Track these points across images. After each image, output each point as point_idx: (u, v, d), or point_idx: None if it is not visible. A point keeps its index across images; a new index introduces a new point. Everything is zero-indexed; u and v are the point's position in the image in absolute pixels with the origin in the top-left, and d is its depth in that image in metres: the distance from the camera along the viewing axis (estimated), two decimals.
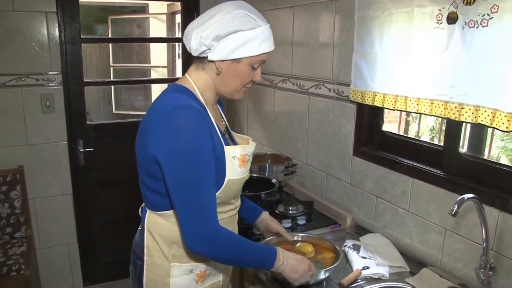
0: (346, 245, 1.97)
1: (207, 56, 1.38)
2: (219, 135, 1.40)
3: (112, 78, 5.71)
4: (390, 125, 3.07)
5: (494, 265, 1.60)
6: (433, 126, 5.35)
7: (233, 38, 1.34)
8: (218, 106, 1.63)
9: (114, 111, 5.68)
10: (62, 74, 3.03)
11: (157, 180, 1.37)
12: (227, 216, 1.51)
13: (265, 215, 1.83)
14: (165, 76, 5.49)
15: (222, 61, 1.38)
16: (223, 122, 1.59)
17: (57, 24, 2.95)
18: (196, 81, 1.45)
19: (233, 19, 1.34)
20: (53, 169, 3.15)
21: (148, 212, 1.48)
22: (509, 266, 1.57)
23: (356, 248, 1.94)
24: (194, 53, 1.40)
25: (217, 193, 1.39)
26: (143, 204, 1.54)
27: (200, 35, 1.35)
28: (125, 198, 3.31)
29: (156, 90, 5.62)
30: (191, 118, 1.28)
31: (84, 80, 3.13)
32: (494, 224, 1.60)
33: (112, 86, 5.65)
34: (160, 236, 1.45)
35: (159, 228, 1.45)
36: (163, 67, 5.61)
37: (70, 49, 3.01)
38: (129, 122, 3.62)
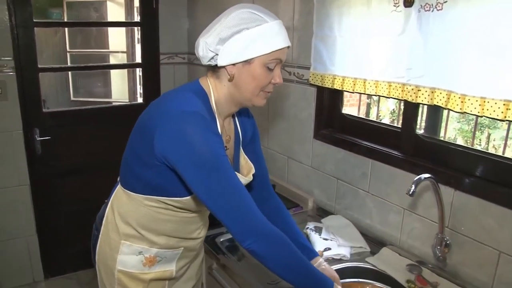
0: (308, 227, 1.99)
1: (217, 64, 1.32)
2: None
3: (69, 64, 5.56)
4: (352, 108, 3.11)
5: (450, 242, 1.66)
6: (394, 109, 5.44)
7: (239, 38, 1.27)
8: (237, 119, 1.57)
9: (72, 98, 5.54)
10: (15, 60, 2.90)
11: (144, 167, 1.34)
12: (176, 216, 1.47)
13: (321, 260, 1.60)
14: (125, 61, 5.38)
15: (233, 65, 1.31)
16: (227, 138, 1.51)
17: (6, 7, 2.81)
18: (214, 88, 1.39)
19: (237, 19, 1.28)
20: (8, 159, 3.03)
21: (119, 187, 1.48)
22: (463, 242, 1.63)
23: (318, 230, 1.97)
24: (203, 61, 1.35)
25: (184, 197, 1.38)
26: (119, 178, 1.53)
27: (205, 42, 1.31)
28: (87, 187, 3.24)
29: (116, 76, 5.51)
30: (201, 125, 1.23)
31: (39, 66, 3.02)
32: (450, 203, 1.65)
33: (70, 72, 5.49)
34: (119, 213, 1.46)
35: (121, 205, 1.45)
36: (122, 52, 5.48)
37: (22, 34, 2.89)
38: (89, 109, 3.53)
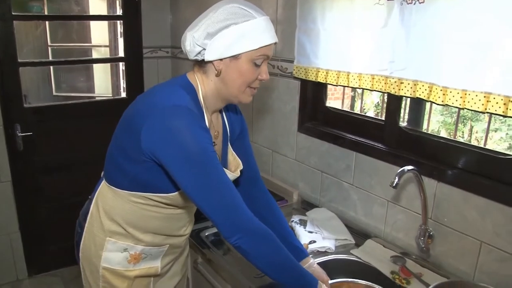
0: (293, 221, 2.00)
1: (204, 58, 1.31)
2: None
3: (50, 59, 5.49)
4: (337, 101, 3.12)
5: (433, 233, 1.68)
6: (378, 102, 5.48)
7: (227, 33, 1.26)
8: (224, 115, 1.56)
9: (54, 93, 5.47)
10: None
11: (130, 162, 1.32)
12: (162, 212, 1.46)
13: (311, 261, 1.60)
14: (107, 55, 5.32)
15: (220, 60, 1.30)
16: (216, 133, 1.51)
17: None
18: (201, 83, 1.38)
19: (225, 13, 1.27)
20: None
21: (103, 183, 1.46)
22: (446, 233, 1.64)
23: (303, 223, 1.98)
24: (190, 56, 1.34)
25: (171, 193, 1.38)
26: (102, 173, 1.51)
27: (192, 36, 1.29)
28: (71, 183, 3.21)
29: (98, 71, 5.46)
30: (189, 120, 1.23)
31: (19, 60, 2.97)
32: (433, 194, 1.67)
33: (51, 67, 5.42)
34: (104, 209, 1.44)
35: (106, 201, 1.44)
36: (105, 46, 5.43)
37: (0, 27, 2.84)
38: (71, 104, 3.49)
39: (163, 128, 1.22)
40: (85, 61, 5.04)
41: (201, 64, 1.36)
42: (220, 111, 1.54)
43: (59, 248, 3.34)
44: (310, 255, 1.63)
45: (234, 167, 1.56)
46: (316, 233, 1.89)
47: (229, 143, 1.58)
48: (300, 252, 1.60)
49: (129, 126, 1.32)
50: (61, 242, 3.24)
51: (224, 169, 1.38)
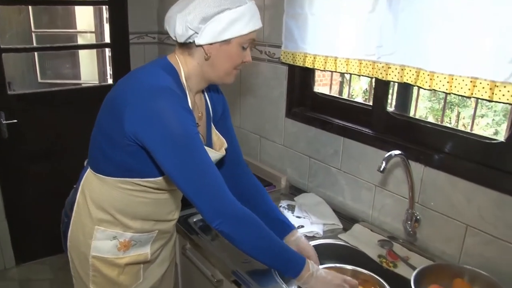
0: (281, 206, 2.00)
1: (194, 41, 1.30)
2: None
3: (34, 45, 5.40)
4: (325, 88, 3.11)
5: (420, 217, 1.69)
6: (366, 88, 5.48)
7: (221, 18, 1.27)
8: (207, 95, 1.56)
9: (40, 80, 5.40)
10: None
11: (115, 148, 1.31)
12: (151, 198, 1.45)
13: (298, 235, 1.63)
14: (93, 41, 5.26)
15: (211, 44, 1.30)
16: (200, 114, 1.51)
17: None
18: (183, 64, 1.37)
19: None
20: None
21: (89, 171, 1.44)
22: (432, 217, 1.66)
23: (291, 208, 1.98)
24: (180, 39, 1.32)
25: (157, 178, 1.37)
26: (86, 161, 1.50)
27: (185, 19, 1.27)
28: (57, 171, 3.18)
29: (84, 57, 5.39)
30: (172, 101, 1.22)
31: (1, 46, 2.92)
32: (419, 179, 1.68)
33: (36, 54, 5.34)
34: (91, 198, 1.43)
35: (93, 189, 1.42)
36: (91, 32, 5.36)
37: None
38: (57, 91, 3.45)
39: (146, 110, 1.21)
40: (70, 47, 4.95)
41: (187, 46, 1.35)
42: (202, 92, 1.54)
43: (46, 236, 3.31)
44: (299, 233, 1.66)
45: (218, 147, 1.56)
46: (304, 218, 1.90)
47: (212, 124, 1.57)
48: (286, 226, 1.64)
49: (111, 110, 1.31)
50: (49, 230, 3.19)
51: (209, 148, 1.40)
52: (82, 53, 5.39)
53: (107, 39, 3.45)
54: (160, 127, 1.21)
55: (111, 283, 1.48)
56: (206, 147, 1.35)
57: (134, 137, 1.24)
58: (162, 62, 1.37)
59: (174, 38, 1.34)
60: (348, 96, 2.67)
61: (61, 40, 5.38)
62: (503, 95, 1.30)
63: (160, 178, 1.37)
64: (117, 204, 1.41)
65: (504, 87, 1.29)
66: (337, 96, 2.31)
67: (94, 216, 1.43)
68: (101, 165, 1.39)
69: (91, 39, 5.32)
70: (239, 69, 1.42)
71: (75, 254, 1.50)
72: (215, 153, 1.46)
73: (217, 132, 1.59)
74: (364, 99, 5.34)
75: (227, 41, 1.31)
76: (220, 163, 1.59)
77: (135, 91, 1.24)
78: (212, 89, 1.59)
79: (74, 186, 1.52)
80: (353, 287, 1.42)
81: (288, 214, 1.93)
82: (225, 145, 1.57)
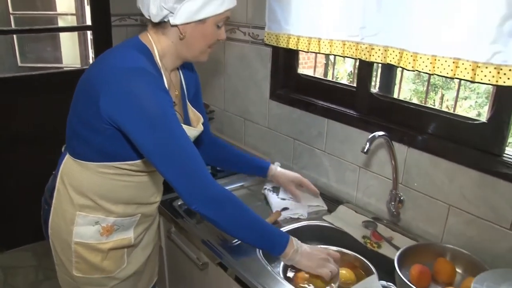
0: (265, 188, 2.00)
1: (168, 21, 1.28)
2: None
3: (13, 27, 5.29)
4: (310, 70, 3.10)
5: (403, 198, 1.70)
6: (351, 71, 5.49)
7: None
8: (181, 73, 1.55)
9: (20, 64, 5.30)
10: None
11: (93, 132, 1.29)
12: (133, 181, 1.44)
13: (274, 167, 1.82)
14: (74, 24, 5.17)
15: (187, 23, 1.29)
16: (176, 93, 1.49)
17: None
18: (156, 44, 1.35)
19: None
20: None
21: (67, 157, 1.42)
22: (416, 198, 1.67)
23: (276, 190, 1.98)
24: (155, 19, 1.29)
25: (137, 161, 1.36)
26: (63, 147, 1.48)
27: None
28: (39, 157, 3.13)
29: (66, 40, 5.30)
30: (148, 82, 1.21)
31: None
32: (403, 160, 1.69)
33: (15, 36, 5.23)
34: (71, 184, 1.40)
35: (73, 176, 1.40)
36: (71, 14, 5.28)
37: None
38: (37, 75, 3.38)
39: (121, 91, 1.19)
40: (51, 30, 4.88)
41: (161, 26, 1.33)
42: (177, 69, 1.53)
43: (28, 222, 3.27)
44: (276, 165, 1.86)
45: (196, 123, 1.56)
46: (288, 200, 1.90)
47: (187, 100, 1.57)
48: (263, 167, 1.82)
49: (86, 94, 1.29)
50: (31, 216, 3.17)
51: (188, 126, 1.40)
52: (63, 36, 5.30)
53: (88, 22, 3.40)
54: (136, 108, 1.19)
55: (95, 268, 1.47)
56: (184, 125, 1.35)
57: (110, 120, 1.23)
58: (134, 42, 1.35)
59: (148, 18, 1.32)
60: (333, 79, 2.67)
61: (40, 22, 5.28)
62: (485, 75, 1.30)
63: (139, 160, 1.36)
64: (98, 189, 1.40)
65: (486, 67, 1.29)
66: (321, 77, 2.30)
67: (75, 202, 1.41)
68: (79, 150, 1.37)
69: (72, 21, 5.23)
70: (213, 47, 1.41)
71: (57, 241, 1.49)
72: (193, 130, 1.46)
73: (193, 108, 1.59)
74: (349, 81, 5.35)
75: (202, 21, 1.29)
76: (197, 141, 1.59)
77: (109, 74, 1.22)
78: (186, 67, 1.58)
79: (53, 172, 1.50)
80: (336, 260, 1.44)
81: (273, 196, 1.93)
82: (202, 120, 1.57)
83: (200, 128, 1.52)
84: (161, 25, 1.33)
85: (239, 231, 1.35)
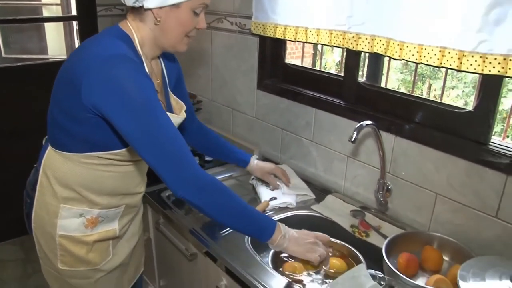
0: (253, 178, 2.00)
1: (143, 5, 1.26)
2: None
3: None
4: (298, 60, 3.10)
5: (391, 187, 1.71)
6: (339, 61, 5.48)
7: None
8: (162, 62, 1.53)
9: (4, 55, 5.22)
10: None
11: (76, 123, 1.27)
12: (118, 171, 1.43)
13: (254, 159, 1.89)
14: (59, 14, 5.10)
15: (160, 8, 1.27)
16: (158, 81, 1.48)
17: None
18: (136, 31, 1.33)
19: None
20: None
21: (49, 149, 1.40)
22: (403, 186, 1.68)
23: (263, 180, 1.98)
24: (128, 2, 1.27)
25: (122, 149, 1.35)
26: (44, 139, 1.46)
27: None
28: (24, 149, 3.09)
29: (51, 31, 5.23)
30: (131, 69, 1.19)
31: None
32: (391, 149, 1.69)
33: None
34: (54, 176, 1.39)
35: (56, 168, 1.38)
36: (56, 4, 5.20)
37: None
38: (22, 66, 3.34)
39: (104, 79, 1.17)
40: (35, 20, 4.80)
41: (137, 11, 1.32)
42: (159, 58, 1.52)
43: (15, 216, 3.24)
44: (254, 158, 1.91)
45: (179, 110, 1.55)
46: (276, 189, 1.90)
47: (169, 89, 1.56)
48: (244, 160, 1.88)
49: (67, 84, 1.27)
50: (17, 210, 3.15)
51: (171, 114, 1.39)
52: (48, 26, 5.23)
53: (74, 12, 3.35)
54: (119, 95, 1.17)
55: (80, 261, 1.46)
56: (167, 113, 1.34)
57: (93, 108, 1.21)
58: (114, 30, 1.33)
59: (122, 2, 1.30)
60: (321, 69, 2.67)
61: (24, 12, 5.20)
62: (471, 64, 1.31)
63: (124, 149, 1.35)
64: (82, 181, 1.38)
65: (472, 56, 1.30)
66: (309, 67, 2.29)
67: (59, 194, 1.39)
68: (62, 141, 1.35)
69: (57, 11, 5.16)
70: (193, 36, 1.39)
71: (40, 235, 1.47)
72: (177, 117, 1.45)
73: (175, 97, 1.58)
74: (337, 71, 5.35)
75: (176, 5, 1.27)
76: (181, 127, 1.58)
77: (90, 62, 1.20)
78: (167, 57, 1.57)
79: (35, 165, 1.48)
80: (325, 243, 1.44)
81: (261, 187, 1.93)
82: (184, 107, 1.56)
83: (183, 115, 1.51)
84: (137, 10, 1.31)
85: (226, 217, 1.34)
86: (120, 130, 1.22)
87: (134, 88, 1.18)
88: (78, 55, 1.28)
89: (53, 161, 1.39)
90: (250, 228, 1.38)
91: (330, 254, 1.50)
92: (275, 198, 1.84)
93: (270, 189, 1.90)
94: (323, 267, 1.44)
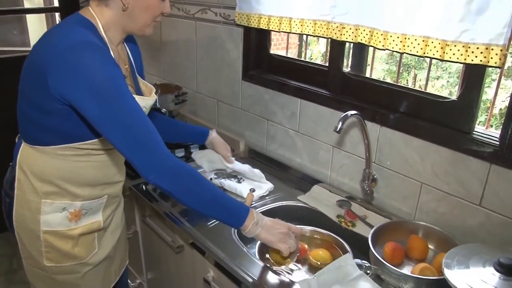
0: (211, 178, 1.97)
1: None
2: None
3: None
4: (283, 52, 3.10)
5: (376, 177, 1.72)
6: (325, 52, 5.48)
7: None
8: (127, 46, 1.52)
9: None
10: None
11: (47, 115, 1.26)
12: (95, 160, 1.42)
13: (214, 134, 1.92)
14: (41, 5, 5.03)
15: None
16: (126, 66, 1.47)
17: None
18: (100, 17, 1.31)
19: None
20: None
21: (23, 145, 1.38)
22: (389, 176, 1.69)
23: (223, 176, 1.96)
24: None
25: (96, 139, 1.34)
26: (17, 137, 1.44)
27: None
28: (3, 143, 3.05)
29: (33, 23, 5.16)
30: (96, 55, 1.18)
31: None
32: (376, 139, 1.70)
33: None
34: (32, 172, 1.37)
35: (33, 163, 1.36)
36: None
37: None
38: (3, 58, 3.29)
39: (69, 67, 1.16)
40: (16, 12, 4.72)
41: None
42: (123, 43, 1.51)
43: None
44: (213, 131, 1.94)
45: (148, 93, 1.54)
46: (245, 180, 1.92)
47: (136, 73, 1.55)
48: (203, 132, 1.91)
49: (33, 76, 1.25)
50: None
51: (142, 96, 1.40)
52: (30, 18, 5.15)
53: (56, 3, 3.30)
54: (85, 81, 1.16)
55: (66, 256, 1.45)
56: (138, 96, 1.34)
57: (62, 98, 1.20)
58: (76, 18, 1.32)
59: None
60: (306, 59, 2.66)
61: (4, 3, 5.11)
62: (453, 54, 1.31)
63: (97, 139, 1.34)
64: (60, 173, 1.37)
65: (455, 46, 1.30)
66: (293, 57, 2.29)
67: (39, 190, 1.38)
68: (35, 135, 1.33)
69: (38, 3, 5.08)
70: (158, 21, 1.39)
71: (23, 233, 1.45)
72: (147, 99, 1.44)
73: (143, 80, 1.57)
74: (323, 62, 5.35)
75: None
76: None
77: (55, 51, 1.19)
78: (129, 40, 1.56)
79: (11, 163, 1.46)
80: (298, 236, 1.44)
81: (231, 183, 1.91)
82: (154, 90, 1.56)
83: (153, 97, 1.50)
84: None
85: (197, 203, 1.33)
86: (89, 118, 1.21)
87: (101, 75, 1.17)
88: (41, 46, 1.26)
89: (29, 157, 1.37)
90: (222, 215, 1.37)
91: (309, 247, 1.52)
92: (254, 190, 1.84)
93: (237, 182, 1.91)
94: (289, 259, 1.44)
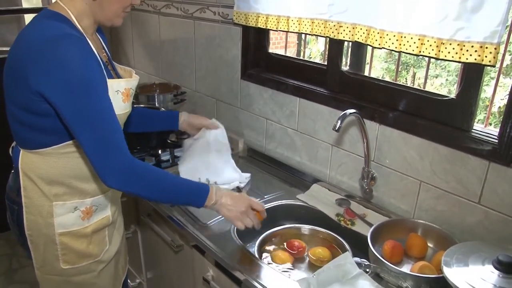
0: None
1: None
2: (102, 67, 1.29)
3: None
4: (282, 51, 3.10)
5: (375, 175, 1.72)
6: (324, 50, 5.48)
7: None
8: (99, 35, 1.51)
9: None
10: None
11: (38, 116, 1.25)
12: None
13: (185, 116, 1.89)
14: (39, 4, 5.01)
15: None
16: (104, 54, 1.47)
17: None
18: (71, 9, 1.30)
19: None
20: None
21: (22, 151, 1.36)
22: (388, 174, 1.69)
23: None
24: None
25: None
26: (13, 144, 1.43)
27: None
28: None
29: None
30: (75, 48, 1.17)
31: None
32: (375, 137, 1.70)
33: None
34: (38, 176, 1.35)
35: (36, 167, 1.35)
36: None
37: None
38: (4, 58, 3.28)
39: (46, 62, 1.16)
40: (13, 11, 4.69)
41: None
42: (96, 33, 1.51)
43: None
44: (183, 113, 1.91)
45: (129, 76, 1.54)
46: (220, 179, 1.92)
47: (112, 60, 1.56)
48: (173, 115, 1.89)
49: (14, 78, 1.24)
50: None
51: (126, 79, 1.41)
52: (28, 18, 5.14)
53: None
54: (63, 73, 1.16)
55: (82, 255, 1.45)
56: (123, 79, 1.38)
57: (42, 95, 1.19)
58: (47, 14, 1.30)
59: None
60: (305, 58, 2.66)
61: (2, 3, 5.11)
62: (449, 52, 1.31)
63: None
64: (68, 172, 1.36)
65: (450, 44, 1.30)
66: (292, 56, 2.29)
67: (48, 193, 1.37)
68: (33, 139, 1.32)
69: (36, 2, 5.07)
70: (128, 11, 1.40)
71: (38, 239, 1.43)
72: (132, 80, 1.43)
73: (120, 65, 1.57)
74: (321, 60, 5.36)
75: None
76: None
77: (32, 49, 1.18)
78: (98, 29, 1.55)
79: (12, 171, 1.45)
80: (261, 211, 1.46)
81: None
82: (133, 70, 1.56)
83: (136, 77, 1.50)
84: None
85: (158, 195, 1.34)
86: (58, 111, 1.20)
87: (78, 67, 1.17)
88: (16, 47, 1.26)
89: (31, 163, 1.35)
90: (184, 199, 1.39)
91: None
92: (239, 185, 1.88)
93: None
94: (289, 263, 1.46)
